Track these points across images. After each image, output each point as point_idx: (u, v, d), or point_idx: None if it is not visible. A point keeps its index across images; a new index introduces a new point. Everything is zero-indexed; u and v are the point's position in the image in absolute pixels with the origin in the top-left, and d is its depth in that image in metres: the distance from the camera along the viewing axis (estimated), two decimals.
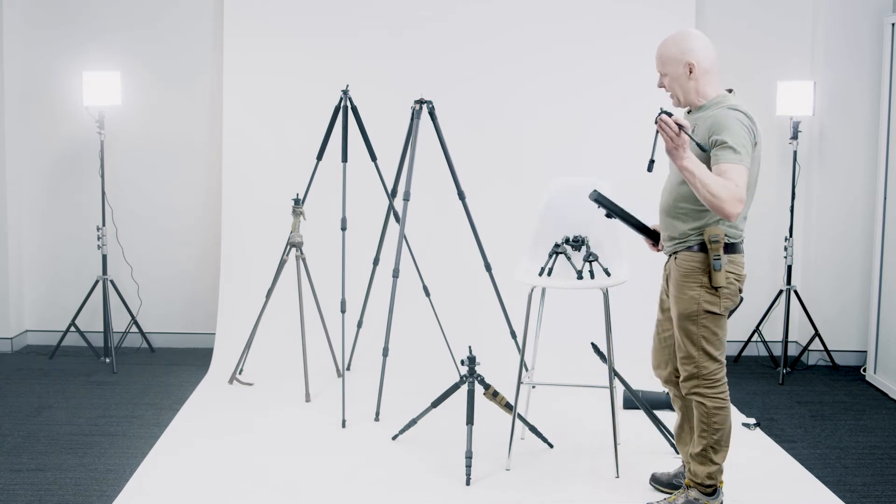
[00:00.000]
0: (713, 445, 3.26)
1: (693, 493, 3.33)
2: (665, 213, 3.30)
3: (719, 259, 3.13)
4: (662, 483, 3.62)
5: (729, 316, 3.27)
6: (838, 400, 4.91)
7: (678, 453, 3.66)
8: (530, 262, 4.03)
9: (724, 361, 3.27)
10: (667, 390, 3.57)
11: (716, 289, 3.17)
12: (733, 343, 5.72)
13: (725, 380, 3.27)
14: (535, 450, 4.03)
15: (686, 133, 2.89)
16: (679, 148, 2.91)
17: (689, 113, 3.29)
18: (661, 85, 3.26)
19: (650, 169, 2.99)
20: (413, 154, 4.58)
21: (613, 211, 3.41)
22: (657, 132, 2.94)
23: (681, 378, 3.30)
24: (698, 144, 2.94)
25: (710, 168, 3.04)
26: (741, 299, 3.28)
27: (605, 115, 5.49)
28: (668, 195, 3.29)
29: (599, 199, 3.39)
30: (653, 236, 3.48)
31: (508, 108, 5.55)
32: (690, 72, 3.14)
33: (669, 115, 2.90)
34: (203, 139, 5.67)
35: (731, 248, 3.18)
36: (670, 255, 3.31)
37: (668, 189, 3.29)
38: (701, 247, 3.17)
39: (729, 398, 3.28)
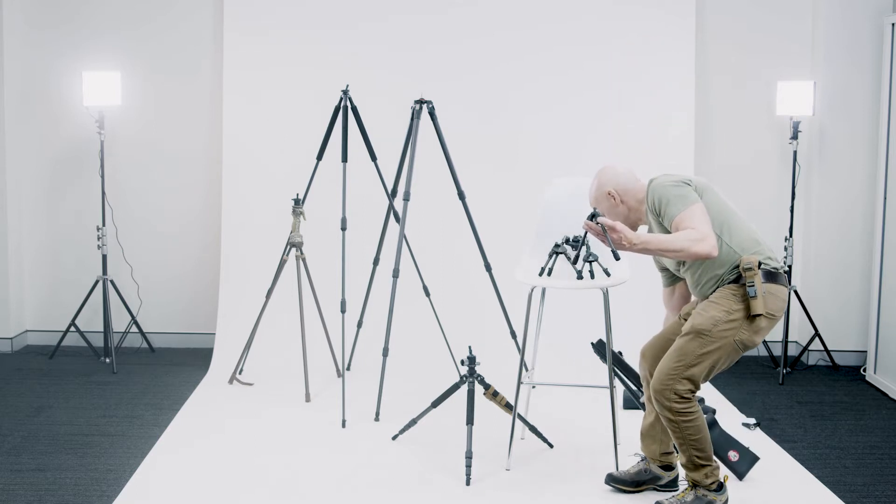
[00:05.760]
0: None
1: (701, 490, 3.32)
2: (694, 274, 3.28)
3: (753, 286, 3.10)
4: (626, 483, 3.58)
5: None
6: (838, 400, 4.91)
7: (642, 451, 3.65)
8: (530, 262, 4.03)
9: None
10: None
11: (753, 317, 3.13)
12: None
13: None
14: (535, 450, 4.03)
15: (608, 238, 2.98)
16: (621, 241, 3.00)
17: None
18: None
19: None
20: (413, 154, 4.58)
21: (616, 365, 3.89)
22: (586, 233, 3.18)
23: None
24: (613, 252, 2.98)
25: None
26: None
27: (606, 115, 5.49)
28: (691, 271, 3.29)
29: (599, 350, 3.91)
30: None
31: (509, 108, 5.55)
32: (614, 199, 3.33)
33: (595, 215, 3.05)
34: (203, 139, 5.67)
35: (771, 276, 3.17)
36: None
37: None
38: (736, 279, 3.16)
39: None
